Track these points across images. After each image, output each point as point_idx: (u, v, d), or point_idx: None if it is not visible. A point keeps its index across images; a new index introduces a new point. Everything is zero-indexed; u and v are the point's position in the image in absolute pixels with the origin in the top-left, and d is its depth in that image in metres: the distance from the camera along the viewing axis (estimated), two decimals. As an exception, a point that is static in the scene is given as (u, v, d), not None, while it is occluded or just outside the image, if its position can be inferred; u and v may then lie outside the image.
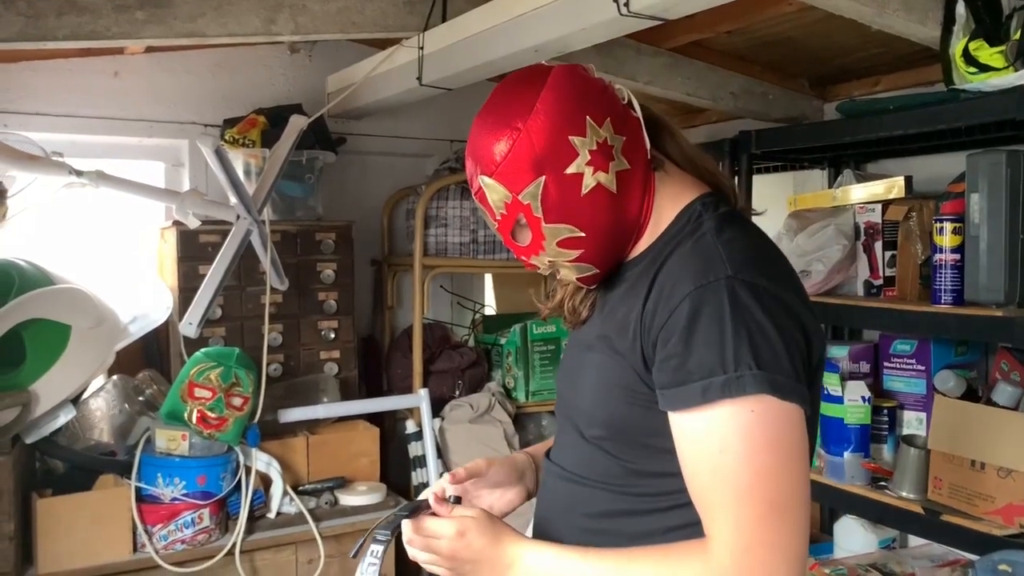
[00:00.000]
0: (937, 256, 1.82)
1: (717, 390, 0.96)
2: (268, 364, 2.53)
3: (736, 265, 1.00)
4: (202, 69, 2.87)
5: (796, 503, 0.97)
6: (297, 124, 2.44)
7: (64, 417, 2.21)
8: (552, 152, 1.04)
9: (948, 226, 1.79)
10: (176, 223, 2.48)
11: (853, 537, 2.30)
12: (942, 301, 1.81)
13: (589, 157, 1.05)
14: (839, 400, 2.04)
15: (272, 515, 2.43)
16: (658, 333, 1.02)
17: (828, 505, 2.48)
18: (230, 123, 2.73)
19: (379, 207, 3.16)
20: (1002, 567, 1.61)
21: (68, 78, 2.67)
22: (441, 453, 2.74)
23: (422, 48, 2.34)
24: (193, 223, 2.36)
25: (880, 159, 2.46)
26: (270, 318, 2.55)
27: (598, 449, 1.13)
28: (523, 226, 1.10)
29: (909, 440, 1.99)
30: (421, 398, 2.70)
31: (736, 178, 2.39)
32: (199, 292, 2.29)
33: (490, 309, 3.46)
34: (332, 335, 2.75)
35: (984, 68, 1.69)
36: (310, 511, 2.43)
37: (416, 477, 2.75)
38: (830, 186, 2.43)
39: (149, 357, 2.61)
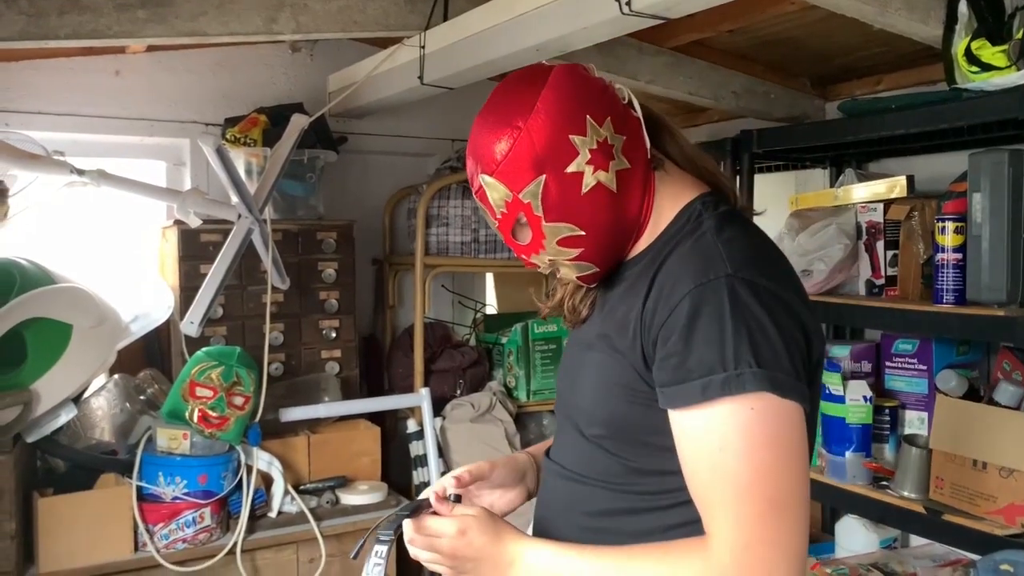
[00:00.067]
0: (939, 255, 1.82)
1: (717, 388, 0.96)
2: (269, 363, 2.53)
3: (736, 264, 1.00)
4: (203, 68, 2.87)
5: (796, 501, 0.97)
6: (298, 123, 2.44)
7: (65, 416, 2.21)
8: (552, 151, 1.05)
9: (950, 225, 1.79)
10: (177, 222, 2.48)
11: (854, 537, 2.30)
12: (944, 301, 1.81)
13: (589, 156, 1.05)
14: (841, 400, 2.04)
15: (273, 514, 2.42)
16: (658, 331, 1.02)
17: (829, 505, 2.48)
18: (231, 122, 2.73)
19: (380, 206, 3.16)
20: (1004, 567, 1.61)
21: (69, 77, 2.67)
22: (442, 452, 2.74)
23: (423, 47, 2.34)
24: (194, 222, 2.36)
25: (882, 158, 2.45)
26: (271, 317, 2.55)
27: (598, 448, 1.13)
28: (523, 225, 1.11)
29: (911, 440, 1.99)
30: (422, 397, 2.70)
31: (738, 177, 2.39)
32: (200, 291, 2.29)
33: (491, 308, 3.46)
34: (333, 334, 2.75)
35: (986, 67, 1.69)
36: (311, 510, 2.43)
37: (417, 476, 2.75)
38: (832, 185, 2.43)
39: (150, 356, 2.61)
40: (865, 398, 2.04)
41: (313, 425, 2.64)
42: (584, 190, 1.06)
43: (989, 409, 1.83)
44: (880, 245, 2.09)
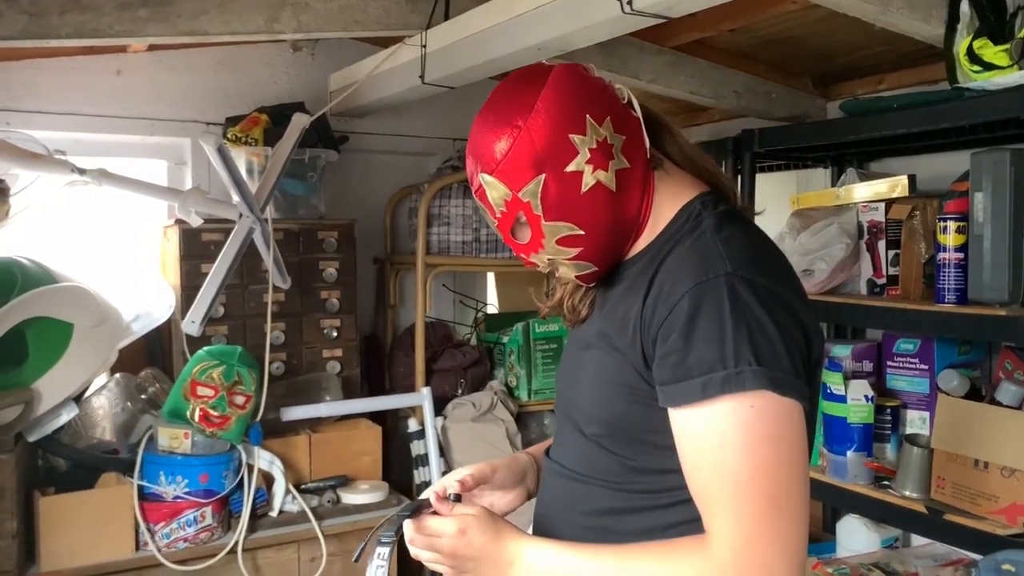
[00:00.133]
0: (941, 255, 1.81)
1: (717, 386, 0.96)
2: (270, 362, 2.53)
3: (736, 262, 1.00)
4: (205, 67, 2.87)
5: (795, 498, 0.97)
6: (299, 122, 2.44)
7: (67, 415, 2.21)
8: (552, 150, 1.05)
9: (952, 225, 1.79)
10: (179, 221, 2.49)
11: (856, 536, 2.29)
12: (946, 300, 1.80)
13: (589, 155, 1.05)
14: (842, 399, 2.04)
15: (274, 513, 2.43)
16: (658, 330, 1.02)
17: (831, 504, 2.48)
18: (232, 121, 2.74)
19: (381, 205, 3.16)
20: (1005, 567, 1.61)
21: (71, 76, 2.68)
22: (443, 452, 2.74)
23: (424, 46, 2.34)
24: (195, 221, 2.36)
25: (884, 158, 2.45)
26: (272, 316, 2.55)
27: (598, 446, 1.13)
28: (523, 224, 1.11)
29: (912, 439, 1.99)
30: (423, 397, 2.70)
31: (739, 177, 2.39)
32: (201, 290, 2.29)
33: (492, 308, 3.46)
34: (334, 333, 2.75)
35: (988, 66, 1.68)
36: (312, 509, 2.43)
37: (418, 476, 2.75)
38: (833, 185, 2.43)
39: (151, 355, 2.61)
40: (867, 398, 2.03)
41: (314, 424, 2.64)
42: (584, 189, 1.06)
43: (991, 409, 1.83)
44: (882, 244, 2.09)
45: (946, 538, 1.92)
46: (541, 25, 1.94)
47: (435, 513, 1.11)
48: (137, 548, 2.21)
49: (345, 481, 2.57)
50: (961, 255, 1.77)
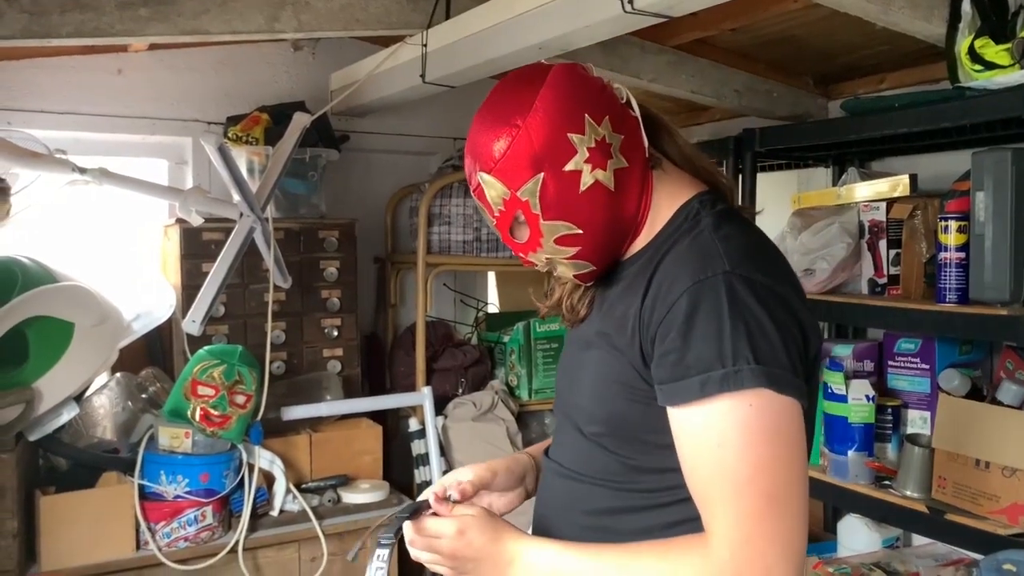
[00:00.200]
0: (942, 254, 1.81)
1: (715, 384, 0.96)
2: (271, 362, 2.53)
3: (734, 261, 1.00)
4: (205, 66, 2.87)
5: (794, 496, 0.97)
6: (300, 121, 2.45)
7: (67, 415, 2.21)
8: (551, 149, 1.05)
9: (953, 224, 1.79)
10: (179, 221, 2.49)
11: (857, 536, 2.29)
12: (947, 300, 1.80)
13: (587, 155, 1.05)
14: (843, 399, 2.04)
15: (275, 513, 2.43)
16: (656, 328, 1.02)
17: (832, 504, 2.48)
18: (233, 120, 2.74)
19: (382, 205, 3.16)
20: (1006, 567, 1.60)
21: (71, 75, 2.68)
22: (444, 451, 2.74)
23: (425, 45, 2.34)
24: (196, 221, 2.36)
25: (885, 157, 2.45)
26: (273, 316, 2.56)
27: (597, 446, 1.13)
28: (521, 223, 1.11)
29: (913, 439, 1.99)
30: (424, 396, 2.70)
31: (740, 176, 2.39)
32: (202, 290, 2.29)
33: (493, 307, 3.45)
34: (335, 333, 2.75)
35: (990, 66, 1.68)
36: (313, 509, 2.43)
37: (419, 475, 2.75)
38: (834, 184, 2.43)
39: (152, 355, 2.61)
40: (867, 397, 2.03)
41: (315, 424, 2.64)
42: (582, 188, 1.06)
43: (992, 408, 1.82)
44: (883, 244, 2.08)
45: (947, 538, 1.92)
46: (542, 24, 1.94)
47: (434, 514, 1.11)
48: (138, 547, 2.21)
49: (346, 480, 2.57)
50: (962, 255, 1.77)
